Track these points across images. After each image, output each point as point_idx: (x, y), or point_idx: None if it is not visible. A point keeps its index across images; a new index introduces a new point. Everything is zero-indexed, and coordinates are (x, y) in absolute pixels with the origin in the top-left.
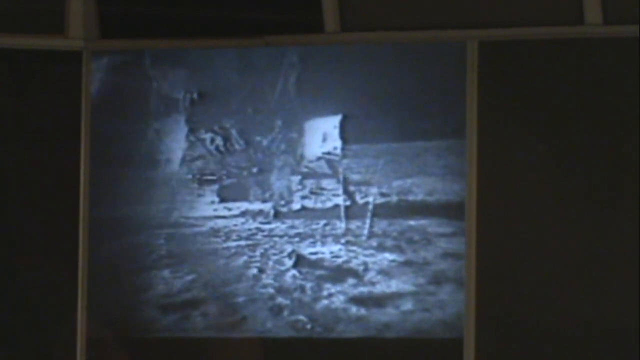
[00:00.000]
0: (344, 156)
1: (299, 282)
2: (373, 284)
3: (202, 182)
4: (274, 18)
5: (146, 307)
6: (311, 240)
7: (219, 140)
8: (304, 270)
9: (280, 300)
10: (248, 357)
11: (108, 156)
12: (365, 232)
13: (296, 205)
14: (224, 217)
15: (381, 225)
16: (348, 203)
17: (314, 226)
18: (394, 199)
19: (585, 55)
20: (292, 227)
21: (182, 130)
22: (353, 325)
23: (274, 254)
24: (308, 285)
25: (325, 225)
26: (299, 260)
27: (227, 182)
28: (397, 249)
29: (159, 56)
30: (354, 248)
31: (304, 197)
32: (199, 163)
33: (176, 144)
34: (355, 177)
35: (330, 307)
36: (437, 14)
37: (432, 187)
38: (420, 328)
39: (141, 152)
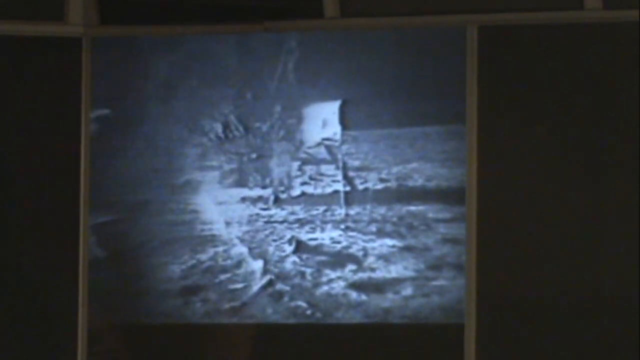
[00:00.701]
0: (343, 142)
1: (298, 268)
2: (373, 269)
3: (201, 169)
4: (274, 4)
5: (146, 294)
6: (311, 226)
7: (218, 127)
8: (303, 256)
9: (280, 286)
10: (248, 344)
11: (108, 143)
12: (365, 217)
13: (296, 191)
14: (223, 203)
15: (381, 210)
16: (348, 189)
17: (313, 212)
18: (394, 184)
19: (585, 40)
20: (292, 213)
21: (181, 116)
22: (353, 311)
23: (274, 240)
24: (308, 271)
25: (325, 211)
26: (299, 246)
27: (226, 168)
28: (397, 234)
29: (158, 42)
30: (353, 234)
31: (303, 183)
32: (198, 150)
33: (176, 130)
34: (354, 162)
35: (330, 293)
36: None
37: (432, 173)
38: (421, 314)
39: (141, 139)
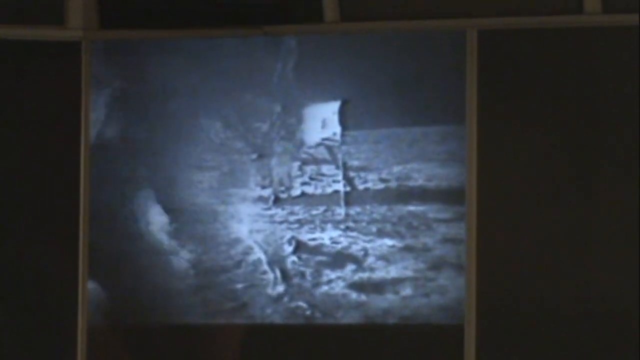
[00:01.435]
0: (343, 142)
1: (298, 268)
2: (373, 269)
3: (201, 169)
4: (273, 8)
5: (146, 294)
6: (311, 226)
7: (218, 127)
8: (303, 256)
9: (279, 286)
10: (247, 344)
11: (108, 144)
12: (365, 217)
13: (296, 192)
14: (223, 203)
15: (381, 210)
16: (348, 189)
17: (313, 212)
18: (394, 184)
19: (584, 43)
20: (292, 213)
21: (182, 117)
22: (353, 312)
23: (274, 240)
24: (308, 271)
25: (325, 211)
26: (299, 246)
27: (226, 168)
28: (397, 234)
29: (158, 45)
30: (353, 234)
31: (303, 183)
32: (198, 149)
33: (176, 130)
34: (354, 163)
35: (329, 293)
36: (436, 3)
37: (432, 173)
38: (421, 314)
39: (141, 139)
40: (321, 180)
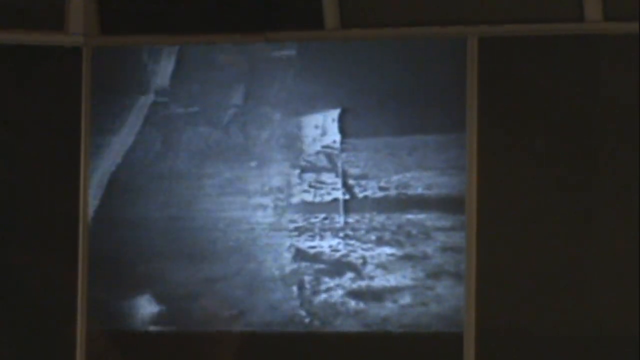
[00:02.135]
0: (343, 150)
1: (297, 276)
2: (372, 278)
3: (201, 176)
4: (274, 14)
5: (145, 301)
6: (310, 234)
7: (217, 134)
8: (302, 264)
9: (278, 294)
10: (246, 351)
11: (107, 151)
12: (364, 226)
13: (295, 199)
14: (222, 210)
15: (380, 219)
16: (347, 197)
17: (312, 220)
18: (393, 192)
19: (585, 51)
20: (291, 220)
21: (180, 124)
22: (352, 320)
23: (273, 248)
24: (307, 279)
25: (324, 219)
26: (298, 254)
27: (226, 175)
28: (396, 242)
29: (159, 50)
30: (353, 242)
31: (303, 191)
32: (198, 157)
33: (175, 137)
34: (354, 170)
35: (328, 301)
36: (437, 10)
37: (432, 181)
38: (420, 322)
39: (140, 146)
40: (320, 188)
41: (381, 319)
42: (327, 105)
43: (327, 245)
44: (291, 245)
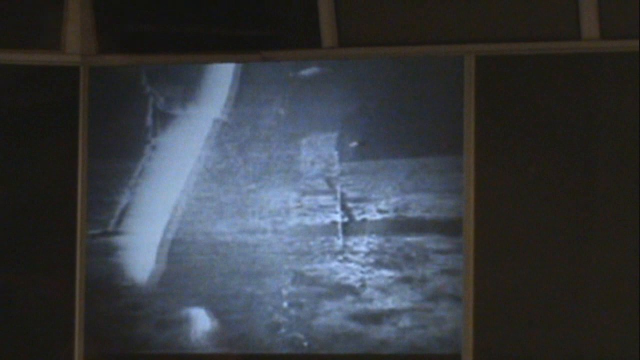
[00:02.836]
0: (341, 173)
1: (296, 298)
2: (370, 300)
3: (199, 199)
4: (272, 33)
5: (142, 323)
6: (309, 256)
7: (215, 156)
8: (301, 286)
9: (277, 316)
10: None
11: (105, 170)
12: (363, 248)
13: (294, 222)
14: (221, 233)
15: (379, 241)
16: (346, 220)
17: (311, 243)
18: (392, 215)
19: (582, 70)
20: (290, 243)
21: (179, 145)
22: (350, 342)
23: (272, 271)
24: (305, 301)
25: (323, 242)
26: (297, 277)
27: (224, 198)
28: (394, 265)
29: (156, 71)
30: (351, 265)
31: (301, 214)
32: (196, 179)
33: (173, 159)
34: (352, 193)
35: (327, 324)
36: (434, 29)
37: (430, 204)
38: (418, 344)
39: (138, 167)
40: (319, 211)
41: (380, 342)
42: (326, 129)
43: (326, 268)
44: (290, 268)
